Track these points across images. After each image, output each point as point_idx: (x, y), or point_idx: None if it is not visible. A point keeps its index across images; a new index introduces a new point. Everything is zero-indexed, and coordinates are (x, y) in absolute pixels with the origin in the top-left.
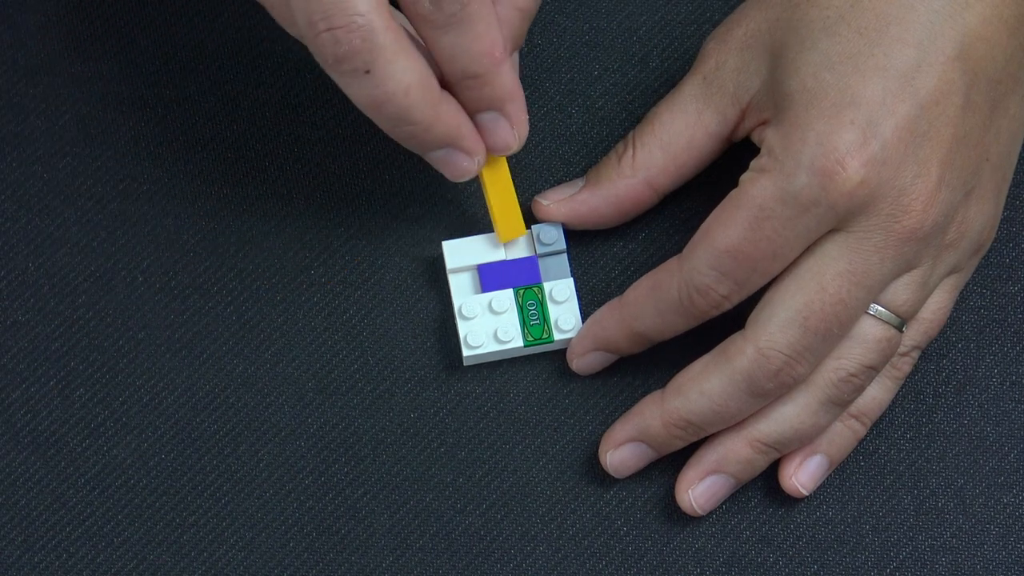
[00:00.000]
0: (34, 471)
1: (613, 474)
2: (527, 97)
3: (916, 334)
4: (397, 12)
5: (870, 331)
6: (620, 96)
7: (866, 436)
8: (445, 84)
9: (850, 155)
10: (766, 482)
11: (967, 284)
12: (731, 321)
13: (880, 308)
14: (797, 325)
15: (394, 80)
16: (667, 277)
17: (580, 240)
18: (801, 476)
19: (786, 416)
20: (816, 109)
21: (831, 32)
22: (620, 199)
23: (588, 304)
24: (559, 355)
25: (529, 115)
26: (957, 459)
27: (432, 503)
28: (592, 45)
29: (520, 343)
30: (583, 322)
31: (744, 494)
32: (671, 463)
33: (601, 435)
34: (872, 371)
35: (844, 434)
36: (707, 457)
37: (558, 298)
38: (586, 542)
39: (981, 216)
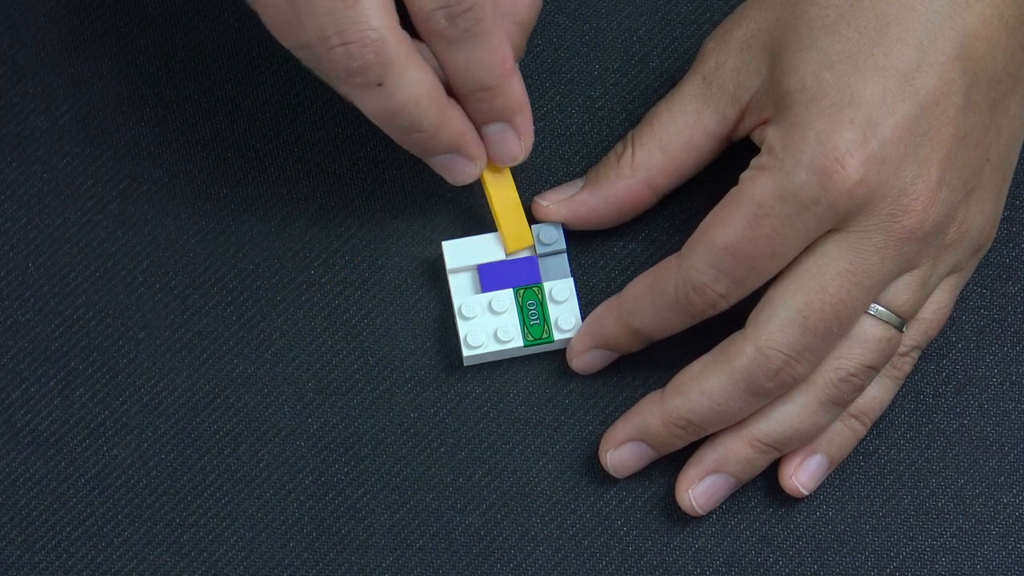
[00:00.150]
0: (34, 471)
1: (613, 474)
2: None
3: (916, 334)
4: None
5: (870, 331)
6: (620, 96)
7: (866, 436)
8: (452, 93)
9: (850, 154)
10: (766, 482)
11: (967, 284)
12: (731, 320)
13: (880, 308)
14: (797, 324)
15: (405, 92)
16: (665, 275)
17: (580, 240)
18: (801, 476)
19: (786, 416)
20: (816, 108)
21: (831, 31)
22: (619, 199)
23: (588, 304)
24: (559, 355)
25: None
26: (957, 459)
27: (432, 503)
28: (592, 45)
29: (520, 343)
30: (583, 322)
31: (744, 494)
32: (671, 463)
33: (601, 435)
34: (872, 371)
35: (844, 434)
36: (707, 457)
37: (558, 298)
38: (586, 542)
39: (981, 216)
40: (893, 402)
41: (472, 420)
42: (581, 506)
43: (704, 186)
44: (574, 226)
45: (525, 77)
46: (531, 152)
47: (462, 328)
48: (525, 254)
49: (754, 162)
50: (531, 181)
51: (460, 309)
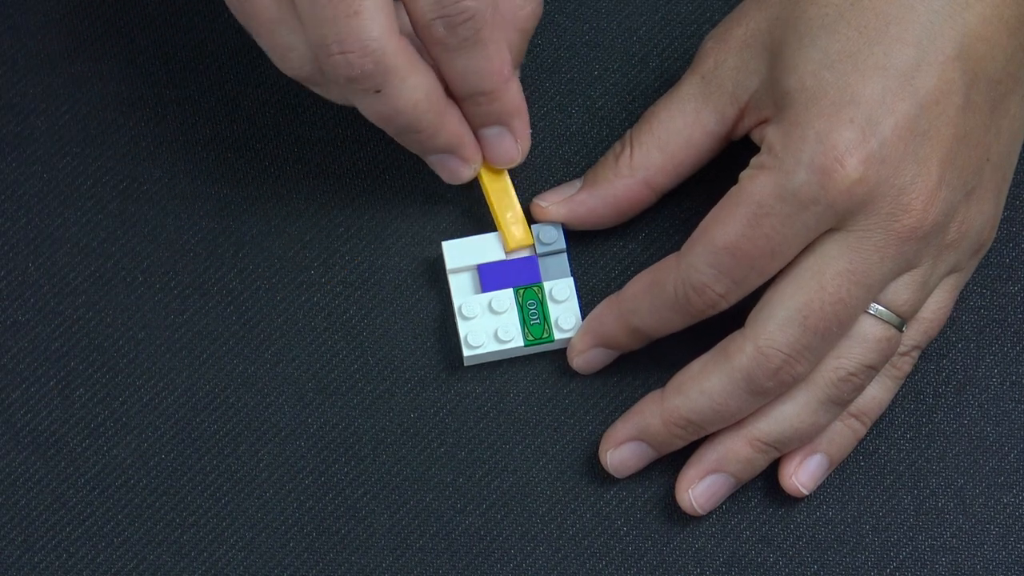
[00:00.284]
0: (34, 471)
1: (613, 473)
2: (527, 98)
3: (916, 334)
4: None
5: (870, 330)
6: (620, 96)
7: (866, 436)
8: (451, 95)
9: (849, 153)
10: (766, 482)
11: (967, 284)
12: (731, 320)
13: (880, 307)
14: (797, 324)
15: (403, 98)
16: (665, 274)
17: (580, 240)
18: (801, 475)
19: (786, 415)
20: (816, 107)
21: (830, 30)
22: (618, 199)
23: (588, 304)
24: (559, 355)
25: (530, 120)
26: (957, 459)
27: (432, 503)
28: (592, 45)
29: (520, 343)
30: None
31: (744, 494)
32: (671, 463)
33: (601, 435)
34: (872, 370)
35: (844, 433)
36: (707, 456)
37: (558, 297)
38: (586, 542)
39: (981, 216)
40: (893, 402)
41: (472, 420)
42: (581, 506)
43: (704, 186)
44: (573, 226)
45: (525, 77)
46: (531, 152)
47: (462, 328)
48: (525, 254)
49: (754, 161)
50: (531, 181)
51: (460, 309)
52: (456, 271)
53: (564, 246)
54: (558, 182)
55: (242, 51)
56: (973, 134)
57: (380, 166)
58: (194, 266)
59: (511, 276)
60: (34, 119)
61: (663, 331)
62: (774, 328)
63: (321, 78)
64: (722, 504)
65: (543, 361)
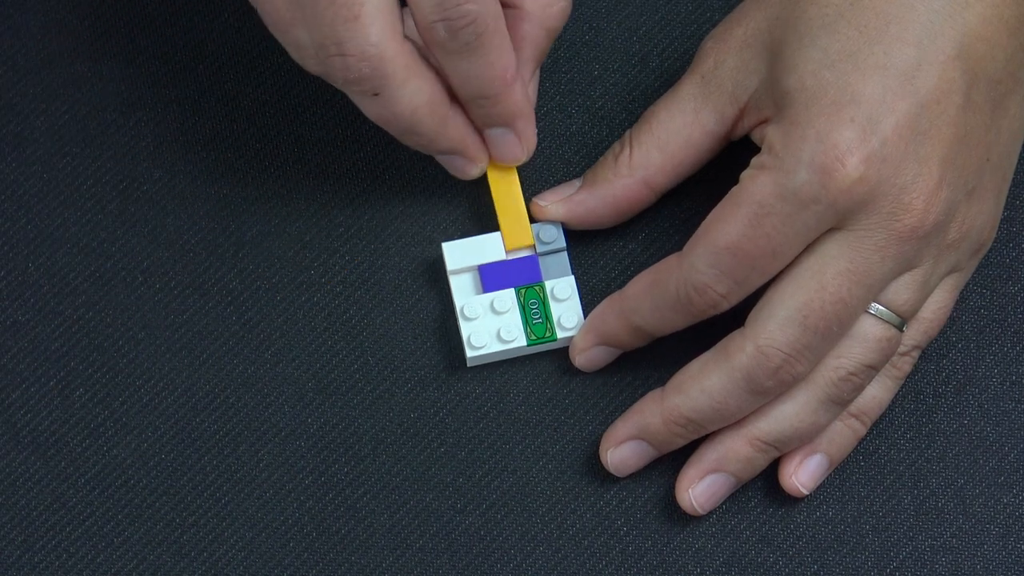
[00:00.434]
0: (34, 471)
1: (614, 472)
2: None
3: (916, 333)
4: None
5: (870, 330)
6: (620, 96)
7: (866, 436)
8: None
9: (850, 152)
10: (766, 482)
11: (967, 284)
12: (731, 319)
13: (880, 307)
14: (797, 323)
15: (402, 103)
16: (667, 274)
17: (580, 239)
18: (801, 475)
19: (786, 415)
20: (816, 107)
21: (831, 30)
22: (617, 199)
23: (589, 303)
24: (559, 355)
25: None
26: (957, 459)
27: (432, 503)
28: (592, 45)
29: (523, 342)
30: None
31: (744, 494)
32: (671, 463)
33: (601, 435)
34: (872, 370)
35: (844, 433)
36: (707, 456)
37: (560, 296)
38: (586, 542)
39: (982, 216)
40: (893, 402)
41: (472, 420)
42: (581, 506)
43: (704, 186)
44: (573, 226)
45: None
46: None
47: (465, 329)
48: (525, 253)
49: (754, 161)
50: (531, 181)
51: (462, 310)
52: (457, 272)
53: (564, 245)
54: (558, 182)
55: (242, 51)
56: (973, 134)
57: (380, 166)
58: (194, 266)
59: (512, 276)
60: (34, 119)
61: (665, 330)
62: (774, 327)
63: None
64: (722, 504)
65: (543, 361)
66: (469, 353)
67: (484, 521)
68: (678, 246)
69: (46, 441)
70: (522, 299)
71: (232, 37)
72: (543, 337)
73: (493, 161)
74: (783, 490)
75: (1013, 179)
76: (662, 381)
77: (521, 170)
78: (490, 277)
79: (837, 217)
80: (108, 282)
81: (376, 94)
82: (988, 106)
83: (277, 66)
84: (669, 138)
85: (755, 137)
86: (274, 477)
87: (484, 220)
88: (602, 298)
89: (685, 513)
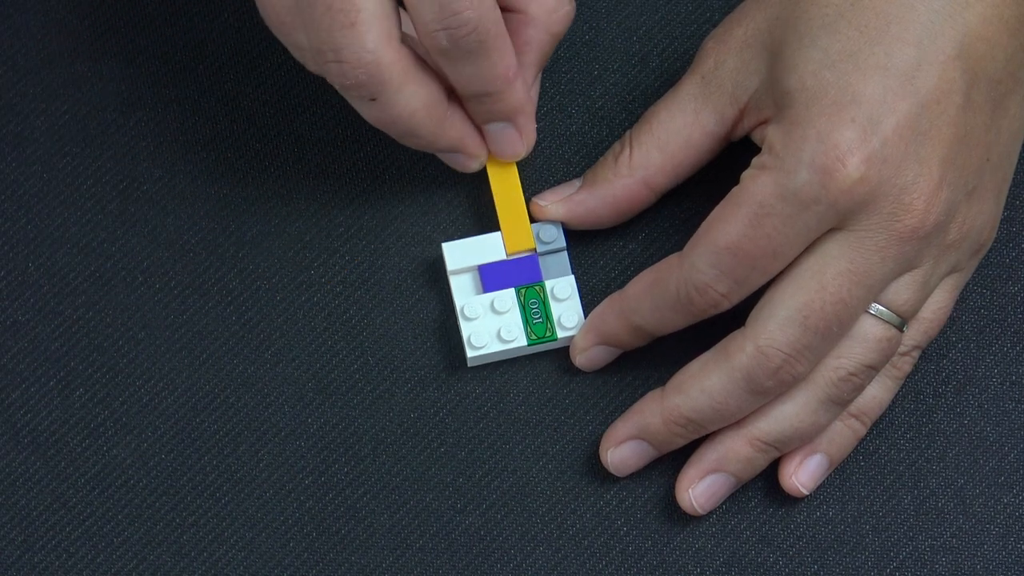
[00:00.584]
0: (34, 471)
1: (614, 472)
2: None
3: (916, 334)
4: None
5: (870, 330)
6: (620, 96)
7: (866, 436)
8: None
9: (851, 152)
10: (766, 482)
11: (967, 284)
12: (732, 319)
13: (881, 307)
14: (797, 324)
15: (400, 107)
16: (667, 274)
17: (580, 239)
18: (801, 475)
19: (786, 415)
20: (817, 107)
21: (831, 30)
22: (617, 199)
23: (589, 303)
24: (559, 355)
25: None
26: (957, 459)
27: (432, 503)
28: (592, 45)
29: (524, 342)
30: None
31: (744, 494)
32: (671, 463)
33: (601, 434)
34: (872, 370)
35: (844, 433)
36: (707, 456)
37: (560, 296)
38: (586, 542)
39: (982, 216)
40: (893, 402)
41: (472, 420)
42: (581, 506)
43: (704, 186)
44: (572, 226)
45: None
46: (531, 152)
47: (465, 329)
48: (525, 253)
49: (755, 161)
50: (531, 181)
51: (463, 310)
52: (457, 272)
53: (564, 244)
54: (558, 182)
55: (242, 51)
56: (974, 134)
57: (380, 166)
58: (194, 266)
59: (512, 276)
60: (34, 119)
61: (665, 330)
62: (774, 328)
63: None
64: (722, 504)
65: (543, 361)
66: (469, 353)
67: (484, 521)
68: (678, 246)
69: (46, 441)
70: (522, 299)
71: (232, 37)
72: (543, 337)
73: (493, 159)
74: (783, 490)
75: (1013, 179)
76: (662, 381)
77: (521, 170)
78: (490, 277)
79: (838, 217)
80: (108, 282)
81: (374, 99)
82: (988, 106)
83: (277, 66)
84: (669, 138)
85: (755, 137)
86: (274, 477)
87: (484, 220)
88: (602, 298)
89: (685, 513)
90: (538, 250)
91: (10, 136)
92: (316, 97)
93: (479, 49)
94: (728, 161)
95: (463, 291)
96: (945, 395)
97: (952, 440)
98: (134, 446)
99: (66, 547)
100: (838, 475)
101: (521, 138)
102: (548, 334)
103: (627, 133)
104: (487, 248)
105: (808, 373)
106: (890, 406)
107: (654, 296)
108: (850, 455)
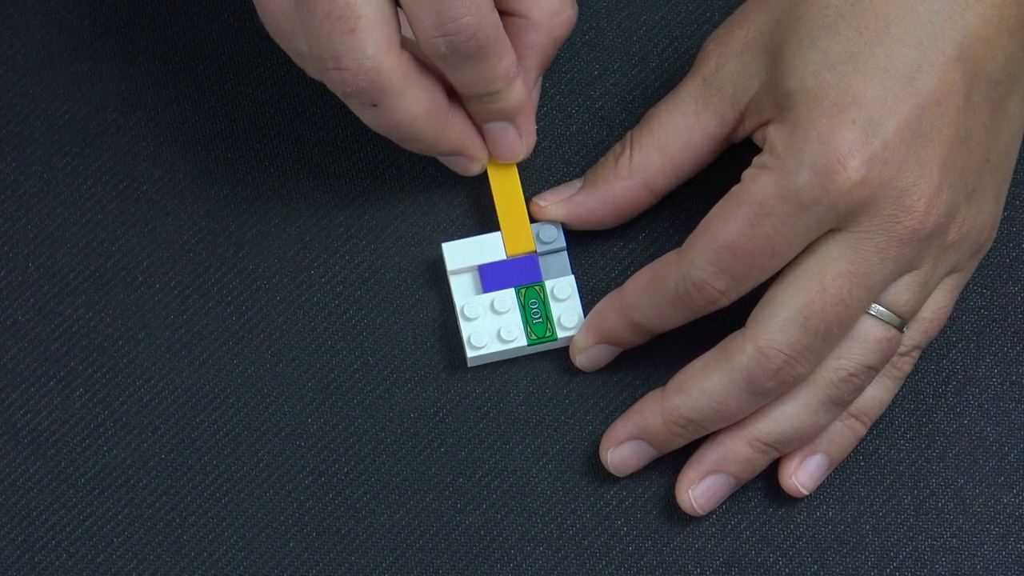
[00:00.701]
0: (34, 471)
1: (614, 472)
2: None
3: (916, 334)
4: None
5: (871, 331)
6: (620, 96)
7: (866, 436)
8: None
9: (852, 154)
10: (766, 482)
11: (967, 284)
12: (732, 319)
13: (881, 308)
14: (797, 325)
15: (400, 112)
16: (666, 270)
17: (580, 239)
18: (801, 476)
19: (786, 415)
20: (817, 108)
21: (831, 31)
22: (617, 200)
23: (589, 303)
24: (559, 355)
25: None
26: (957, 459)
27: (432, 503)
28: (592, 45)
29: (524, 342)
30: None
31: (744, 494)
32: (671, 463)
33: (601, 434)
34: (872, 371)
35: (844, 434)
36: (707, 457)
37: (560, 296)
38: (586, 542)
39: (982, 216)
40: (893, 402)
41: (472, 420)
42: (581, 506)
43: (704, 186)
44: (572, 226)
45: None
46: (532, 152)
47: (465, 329)
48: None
49: (756, 161)
50: (531, 181)
51: (463, 310)
52: (457, 272)
53: (564, 244)
54: (558, 182)
55: (242, 51)
56: (973, 135)
57: (380, 166)
58: (194, 266)
59: (512, 276)
60: (34, 119)
61: (664, 326)
62: (775, 329)
63: None
64: (722, 504)
65: (543, 361)
66: (469, 353)
67: (484, 521)
68: (678, 246)
69: (46, 441)
70: (522, 299)
71: (232, 37)
72: (543, 337)
73: (494, 159)
74: (783, 490)
75: (1013, 179)
76: (662, 381)
77: (521, 170)
78: (490, 277)
79: (838, 219)
80: (108, 282)
81: (375, 105)
82: (988, 107)
83: (277, 66)
84: (669, 140)
85: (757, 138)
86: (274, 477)
87: (484, 220)
88: (602, 298)
89: (685, 513)
90: (538, 250)
91: (10, 136)
92: (316, 97)
93: (479, 54)
94: (728, 162)
95: (463, 291)
96: (945, 395)
97: (952, 440)
98: (134, 446)
99: (66, 547)
100: (838, 475)
101: (521, 139)
102: (548, 334)
103: (627, 134)
104: (487, 248)
105: (808, 374)
106: (890, 406)
107: (653, 292)
108: (850, 455)
